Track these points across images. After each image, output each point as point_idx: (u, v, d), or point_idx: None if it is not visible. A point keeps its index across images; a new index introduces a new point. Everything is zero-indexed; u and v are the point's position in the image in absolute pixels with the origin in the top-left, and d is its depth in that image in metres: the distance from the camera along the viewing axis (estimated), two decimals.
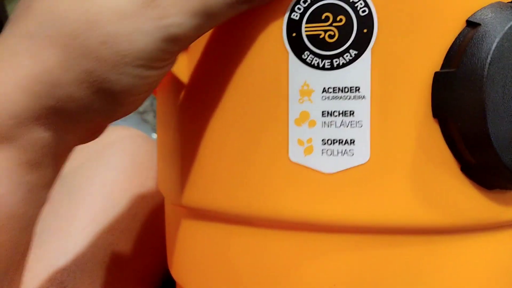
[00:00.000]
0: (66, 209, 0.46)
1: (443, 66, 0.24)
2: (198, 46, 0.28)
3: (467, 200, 0.24)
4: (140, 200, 0.49)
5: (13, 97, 0.22)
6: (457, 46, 0.24)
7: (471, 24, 0.24)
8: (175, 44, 0.23)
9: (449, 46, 0.24)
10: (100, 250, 0.44)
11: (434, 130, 0.24)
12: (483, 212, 0.24)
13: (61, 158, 0.25)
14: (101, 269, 0.43)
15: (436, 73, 0.24)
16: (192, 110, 0.28)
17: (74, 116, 0.23)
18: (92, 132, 0.25)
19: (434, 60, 0.24)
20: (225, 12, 0.23)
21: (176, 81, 0.29)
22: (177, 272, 0.33)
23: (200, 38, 0.26)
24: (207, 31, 0.24)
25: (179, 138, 0.29)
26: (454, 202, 0.24)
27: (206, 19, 0.23)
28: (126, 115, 0.25)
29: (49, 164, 0.24)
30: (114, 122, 0.25)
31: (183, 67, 0.28)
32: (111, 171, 0.49)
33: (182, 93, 0.29)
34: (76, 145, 0.25)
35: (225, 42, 0.27)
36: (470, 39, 0.23)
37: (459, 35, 0.24)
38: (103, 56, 0.22)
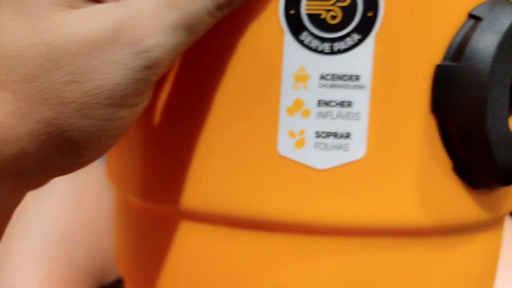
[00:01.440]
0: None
1: (444, 59, 0.23)
2: None
3: (456, 200, 0.24)
4: (77, 224, 0.45)
5: None
6: (459, 39, 0.23)
7: (473, 17, 0.23)
8: (155, 71, 0.19)
9: (451, 38, 0.23)
10: (37, 281, 0.40)
11: (431, 126, 0.23)
12: (470, 212, 0.24)
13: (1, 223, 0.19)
14: None
15: (437, 66, 0.22)
16: (169, 95, 0.24)
17: (25, 175, 0.18)
18: (40, 185, 0.21)
19: (436, 52, 0.23)
20: (206, 21, 0.20)
21: None
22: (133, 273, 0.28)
23: None
24: (185, 50, 0.20)
25: (154, 129, 0.25)
26: (445, 202, 0.23)
27: (187, 33, 0.19)
28: (87, 164, 0.20)
29: None
30: None
31: None
32: (48, 197, 0.44)
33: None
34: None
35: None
36: (473, 33, 0.22)
37: (461, 27, 0.23)
38: (67, 99, 0.17)
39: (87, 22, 0.18)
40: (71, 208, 0.46)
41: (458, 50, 0.22)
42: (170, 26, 0.18)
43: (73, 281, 0.43)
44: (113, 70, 0.18)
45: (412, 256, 0.24)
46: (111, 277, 0.46)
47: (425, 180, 0.23)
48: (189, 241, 0.25)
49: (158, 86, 0.24)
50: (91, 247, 0.45)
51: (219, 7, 0.20)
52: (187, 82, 0.24)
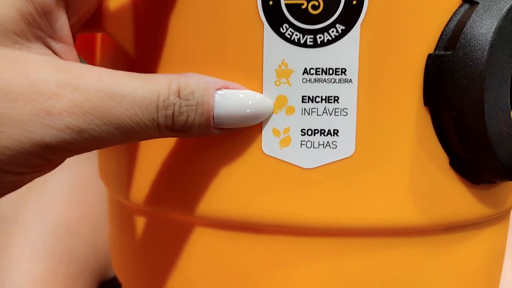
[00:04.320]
0: (0, 240, 0.40)
1: (437, 48, 0.21)
2: (149, 12, 0.22)
3: (455, 196, 0.22)
4: (79, 219, 0.44)
5: None
6: (453, 26, 0.21)
7: (468, 1, 0.21)
8: (58, 151, 0.18)
9: (444, 25, 0.21)
10: (39, 276, 0.39)
11: (424, 120, 0.21)
12: (471, 208, 0.23)
13: None
14: None
15: (429, 56, 0.21)
16: None
17: None
18: None
19: (428, 41, 0.21)
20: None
21: (120, 54, 0.23)
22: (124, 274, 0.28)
23: (151, 2, 0.20)
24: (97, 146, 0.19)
25: None
26: (441, 199, 0.22)
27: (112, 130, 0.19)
28: None
29: None
30: None
31: (129, 38, 0.23)
32: (47, 191, 0.43)
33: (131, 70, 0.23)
34: None
35: (187, 8, 0.21)
36: (468, 19, 0.21)
37: (455, 12, 0.21)
38: None
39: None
40: (73, 203, 0.45)
41: (452, 38, 0.21)
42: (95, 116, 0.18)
43: (76, 277, 0.43)
44: (7, 131, 0.17)
45: (410, 255, 0.23)
46: (113, 272, 0.45)
47: (420, 177, 0.22)
48: (182, 244, 0.24)
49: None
50: (93, 242, 0.45)
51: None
52: (155, 69, 0.23)
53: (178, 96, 0.19)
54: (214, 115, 0.20)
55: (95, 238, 0.44)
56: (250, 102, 0.20)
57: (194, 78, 0.20)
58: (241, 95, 0.20)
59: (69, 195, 0.45)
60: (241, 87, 0.21)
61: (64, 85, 0.18)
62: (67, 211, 0.44)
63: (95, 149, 0.19)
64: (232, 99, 0.20)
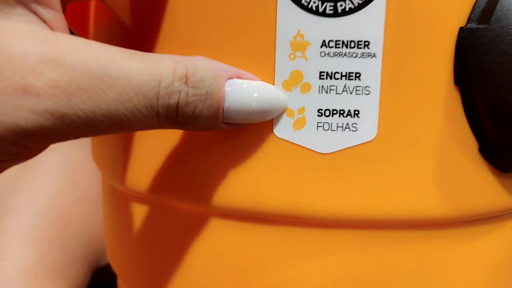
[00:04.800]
0: None
1: (470, 21, 0.19)
2: None
3: (482, 186, 0.20)
4: (72, 204, 0.42)
5: None
6: None
7: None
8: (35, 138, 0.16)
9: None
10: (30, 264, 0.37)
11: (454, 101, 0.19)
12: (498, 199, 0.21)
13: None
14: (32, 283, 0.37)
15: (461, 29, 0.19)
16: None
17: None
18: None
19: (460, 13, 0.19)
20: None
21: (116, 26, 0.21)
22: (120, 265, 0.26)
23: None
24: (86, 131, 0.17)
25: None
26: (469, 189, 0.20)
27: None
28: None
29: None
30: None
31: (126, 6, 0.20)
32: (38, 175, 0.41)
33: (127, 42, 0.21)
34: None
35: None
36: None
37: None
38: None
39: None
40: (65, 187, 0.43)
41: (486, 10, 0.19)
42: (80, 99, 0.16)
43: (68, 264, 0.41)
44: None
45: (431, 249, 0.21)
46: (107, 260, 0.43)
47: (446, 165, 0.20)
48: (186, 234, 0.22)
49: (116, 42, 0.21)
50: (87, 228, 0.43)
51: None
52: (155, 40, 0.20)
53: (185, 83, 0.17)
54: (224, 108, 0.18)
55: (89, 224, 0.42)
56: (264, 96, 0.18)
57: (203, 62, 0.17)
58: (254, 87, 0.18)
59: (62, 179, 0.43)
60: (255, 77, 0.19)
61: (46, 60, 0.15)
62: (59, 195, 0.42)
63: (79, 137, 0.17)
64: (245, 91, 0.18)
